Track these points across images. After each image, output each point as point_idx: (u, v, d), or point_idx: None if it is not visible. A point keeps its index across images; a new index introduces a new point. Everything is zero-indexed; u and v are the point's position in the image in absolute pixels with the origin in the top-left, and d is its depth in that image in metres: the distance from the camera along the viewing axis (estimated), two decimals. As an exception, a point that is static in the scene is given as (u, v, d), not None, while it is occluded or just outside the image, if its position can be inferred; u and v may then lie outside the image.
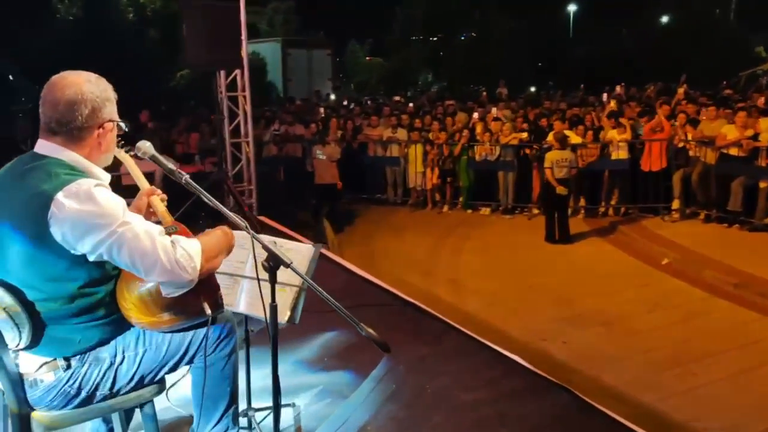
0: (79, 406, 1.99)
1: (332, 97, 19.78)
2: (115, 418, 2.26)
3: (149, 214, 2.38)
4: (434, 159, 11.31)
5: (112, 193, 1.91)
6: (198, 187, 2.19)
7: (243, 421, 2.84)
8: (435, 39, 32.37)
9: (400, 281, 8.17)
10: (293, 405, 3.07)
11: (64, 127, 1.93)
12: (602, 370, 5.56)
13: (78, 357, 1.97)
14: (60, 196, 1.81)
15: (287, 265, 2.07)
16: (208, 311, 1.99)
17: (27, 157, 1.96)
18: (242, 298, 2.68)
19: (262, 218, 7.00)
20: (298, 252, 2.73)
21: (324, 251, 5.59)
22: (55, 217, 1.80)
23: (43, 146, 1.95)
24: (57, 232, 1.80)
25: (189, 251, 1.86)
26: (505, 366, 3.51)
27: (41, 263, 1.85)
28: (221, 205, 2.15)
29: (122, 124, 2.12)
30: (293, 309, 2.65)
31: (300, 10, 29.46)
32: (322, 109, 14.45)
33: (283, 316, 2.62)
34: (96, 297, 1.94)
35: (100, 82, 2.00)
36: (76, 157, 1.95)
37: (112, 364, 2.00)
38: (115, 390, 2.03)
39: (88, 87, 1.95)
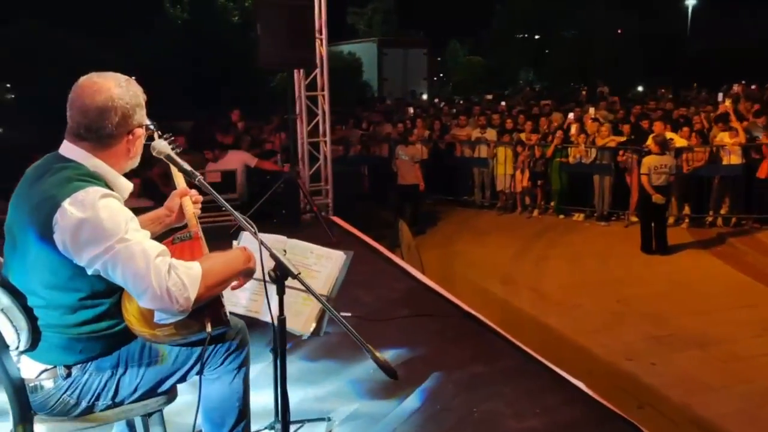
0: (80, 415, 1.92)
1: (424, 96, 19.57)
2: (138, 423, 2.21)
3: (180, 215, 2.29)
4: (525, 161, 10.84)
5: (119, 205, 1.81)
6: (211, 189, 2.07)
7: (269, 433, 2.71)
8: (538, 37, 31.39)
9: (478, 288, 7.87)
10: (328, 419, 2.91)
11: (93, 134, 1.86)
12: (695, 399, 5.03)
13: (79, 366, 1.89)
14: (66, 203, 1.73)
15: (294, 276, 1.89)
16: (209, 329, 1.86)
17: (52, 157, 1.90)
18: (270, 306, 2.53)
19: (335, 219, 6.91)
20: (329, 259, 2.56)
21: (391, 255, 5.41)
22: (59, 225, 1.72)
23: (69, 149, 1.88)
24: (59, 240, 1.73)
25: (184, 280, 1.72)
26: (566, 392, 3.16)
27: (42, 270, 1.79)
28: (232, 208, 2.02)
29: (152, 127, 2.07)
30: (319, 320, 2.48)
31: (400, 9, 29.51)
32: (411, 109, 14.30)
33: (308, 328, 2.46)
34: (100, 309, 1.86)
35: (130, 86, 1.91)
36: (99, 164, 1.88)
37: (113, 374, 1.91)
38: (117, 400, 1.94)
39: (118, 92, 1.86)
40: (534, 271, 8.41)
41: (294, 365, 3.47)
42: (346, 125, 12.36)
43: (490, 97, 16.99)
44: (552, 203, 10.87)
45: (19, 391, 1.87)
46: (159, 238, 2.04)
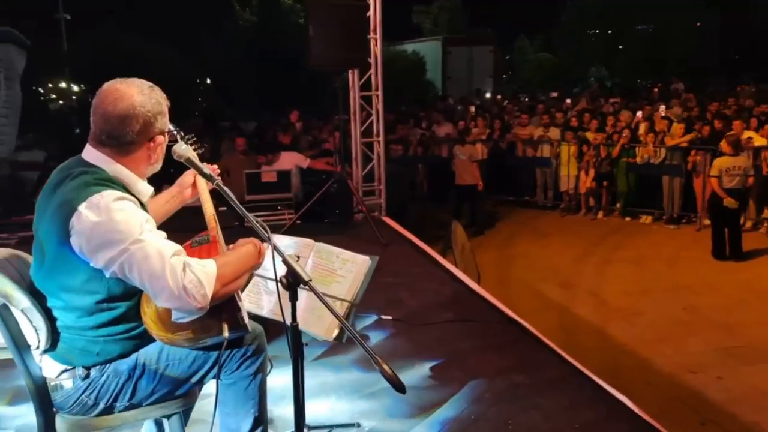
0: (99, 415, 1.95)
1: (487, 95, 19.24)
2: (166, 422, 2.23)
3: (195, 192, 2.42)
4: (590, 160, 10.47)
5: (134, 207, 1.82)
6: (229, 193, 2.06)
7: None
8: (610, 32, 30.27)
9: (535, 292, 7.66)
10: (357, 425, 2.86)
11: (114, 141, 1.88)
12: (764, 416, 4.69)
13: (98, 367, 1.92)
14: (82, 207, 1.76)
15: (305, 283, 1.85)
16: (226, 333, 1.85)
17: (74, 161, 1.94)
18: (302, 310, 2.51)
19: (385, 219, 6.87)
20: (354, 263, 2.51)
21: (439, 258, 5.32)
22: (74, 229, 1.75)
23: (91, 154, 1.91)
24: (76, 244, 1.76)
25: (200, 277, 1.72)
26: (609, 407, 3.00)
27: (61, 272, 1.82)
28: (246, 212, 2.00)
29: (174, 131, 2.09)
30: (342, 326, 2.43)
31: (467, 7, 29.16)
32: (472, 108, 14.08)
33: (331, 333, 2.42)
34: (117, 312, 1.88)
35: (153, 94, 1.93)
36: (119, 169, 1.91)
37: (130, 377, 1.93)
38: (135, 402, 1.96)
39: (140, 100, 1.88)
40: (596, 276, 8.10)
41: (327, 369, 3.45)
42: (405, 125, 12.31)
43: (555, 95, 16.50)
44: (618, 205, 10.46)
45: (41, 390, 1.92)
46: (178, 241, 2.05)
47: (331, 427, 2.80)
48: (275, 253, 1.91)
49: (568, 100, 14.30)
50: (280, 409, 2.91)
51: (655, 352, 5.89)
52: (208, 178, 2.07)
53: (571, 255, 8.83)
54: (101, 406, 1.93)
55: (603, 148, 10.27)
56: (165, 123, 1.96)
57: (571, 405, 3.02)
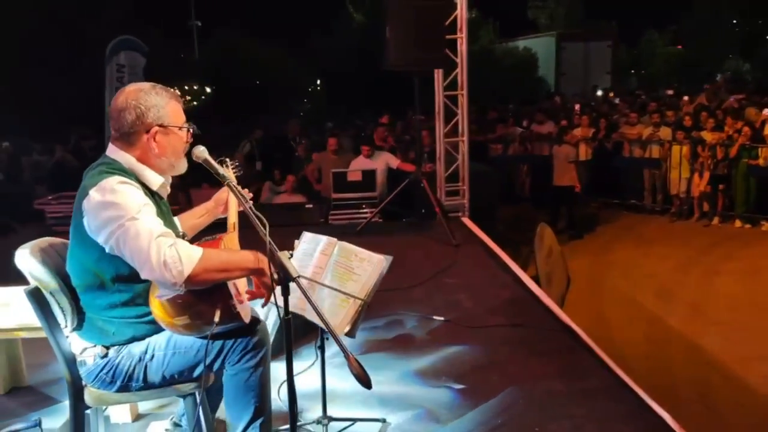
0: (118, 391, 2.16)
1: (599, 92, 18.35)
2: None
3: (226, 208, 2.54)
4: (705, 162, 9.75)
5: (135, 191, 2.01)
6: (240, 192, 2.19)
7: (318, 429, 2.81)
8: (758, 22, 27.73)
9: (627, 300, 7.28)
10: (383, 421, 2.92)
11: (119, 133, 2.13)
12: None
13: (115, 348, 2.13)
14: (92, 190, 1.98)
15: (293, 279, 1.95)
16: (216, 319, 1.99)
17: (101, 157, 2.19)
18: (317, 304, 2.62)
19: (465, 220, 6.82)
20: (370, 262, 2.57)
21: (509, 261, 5.23)
22: (85, 209, 1.98)
23: (110, 149, 2.16)
24: (86, 224, 1.98)
25: (181, 255, 1.86)
26: (648, 423, 2.84)
27: (77, 252, 2.06)
28: (249, 210, 2.12)
29: (180, 129, 2.19)
30: (354, 322, 2.51)
31: (587, 0, 27.91)
32: (577, 106, 13.53)
33: (342, 329, 2.50)
34: (127, 295, 2.07)
35: (151, 91, 2.13)
36: (129, 159, 2.12)
37: (141, 360, 2.12)
38: (149, 383, 2.15)
39: (136, 95, 2.10)
40: (698, 286, 7.56)
41: (364, 361, 3.52)
42: (504, 124, 12.10)
43: (670, 92, 15.43)
44: (736, 210, 9.65)
45: (70, 364, 2.16)
46: (192, 240, 2.23)
47: (354, 420, 2.88)
48: (271, 249, 2.01)
49: (686, 98, 13.33)
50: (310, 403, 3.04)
51: (752, 371, 5.43)
52: (221, 178, 2.22)
53: (674, 263, 8.29)
54: (118, 383, 2.14)
55: (720, 149, 9.52)
56: (161, 116, 2.11)
57: (605, 417, 2.90)
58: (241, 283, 2.19)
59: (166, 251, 1.87)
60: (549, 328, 3.85)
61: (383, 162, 7.90)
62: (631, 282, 7.79)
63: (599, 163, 10.83)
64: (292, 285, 2.70)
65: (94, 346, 2.14)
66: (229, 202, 2.55)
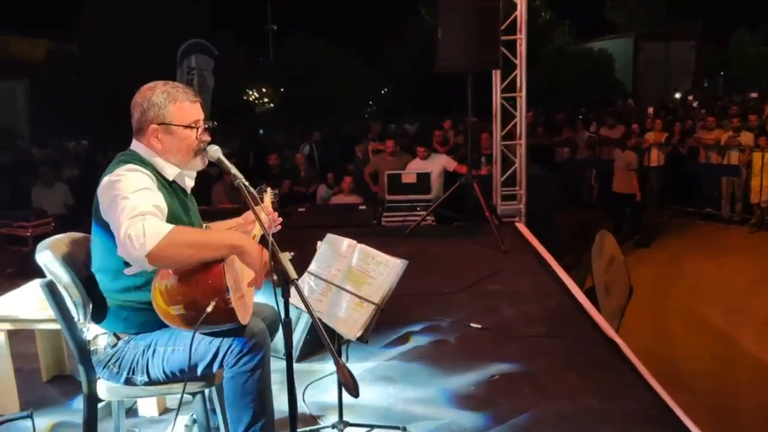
0: (125, 383, 2.18)
1: (677, 95, 17.45)
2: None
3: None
4: (790, 170, 9.10)
5: (141, 177, 2.05)
6: (252, 192, 2.19)
7: (333, 434, 2.77)
8: None
9: (693, 315, 6.88)
10: (402, 429, 2.84)
11: (133, 126, 2.22)
12: None
13: (125, 338, 2.17)
14: (106, 177, 2.06)
15: (292, 281, 1.92)
16: (210, 309, 1.94)
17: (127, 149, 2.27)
18: (333, 307, 2.59)
19: (518, 225, 6.62)
20: (386, 266, 2.51)
21: (559, 270, 5.03)
22: (98, 193, 2.06)
23: (132, 142, 2.25)
24: (100, 206, 2.05)
25: (147, 230, 1.86)
26: (686, 451, 2.64)
27: (96, 236, 2.12)
28: (255, 211, 2.11)
29: (186, 128, 2.19)
30: (367, 327, 2.45)
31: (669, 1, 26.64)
32: (651, 109, 12.92)
33: (354, 333, 2.45)
34: (141, 279, 2.08)
35: (160, 89, 2.18)
36: (146, 150, 2.20)
37: (144, 353, 2.14)
38: (152, 378, 2.17)
39: (144, 93, 2.18)
40: (775, 303, 7.04)
41: (393, 366, 3.48)
42: (572, 127, 11.72)
43: (755, 95, 14.47)
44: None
45: (84, 356, 2.22)
46: None
47: (372, 426, 2.82)
48: (273, 249, 1.99)
49: (772, 101, 12.51)
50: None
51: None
52: (232, 177, 2.22)
53: (749, 277, 7.76)
54: (124, 375, 2.17)
55: (807, 156, 8.86)
56: (161, 115, 2.15)
57: (637, 441, 2.72)
58: (243, 281, 2.16)
59: (134, 225, 1.87)
60: (591, 341, 3.66)
61: (439, 164, 7.81)
62: (699, 295, 7.35)
63: (673, 170, 10.30)
64: (314, 286, 2.70)
65: (106, 333, 2.19)
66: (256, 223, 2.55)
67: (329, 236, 2.81)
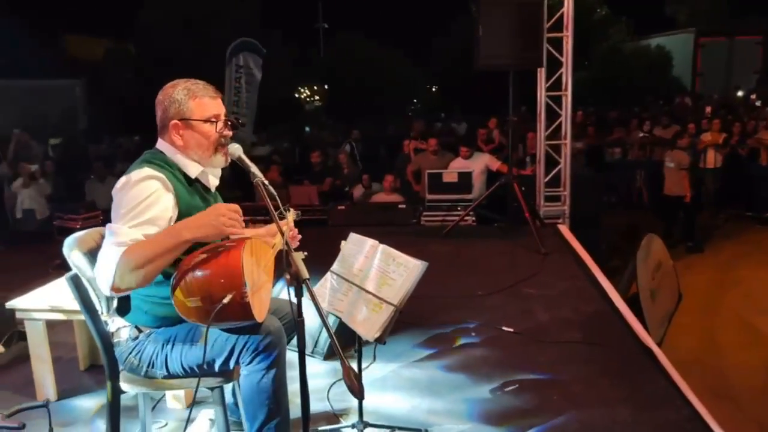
0: (145, 377, 2.23)
1: (739, 93, 16.70)
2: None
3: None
4: None
5: (152, 186, 2.07)
6: (272, 190, 2.19)
7: (353, 432, 2.76)
8: None
9: (745, 323, 6.57)
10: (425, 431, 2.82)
11: (158, 125, 2.26)
12: None
13: (146, 332, 2.21)
14: (124, 176, 2.11)
15: (303, 280, 1.92)
16: (226, 300, 1.94)
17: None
18: (353, 307, 2.57)
19: (560, 227, 6.46)
20: (406, 267, 2.48)
21: (599, 274, 4.88)
22: (113, 194, 2.11)
23: (158, 141, 2.28)
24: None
25: (100, 270, 1.99)
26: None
27: None
28: (275, 213, 2.10)
29: (205, 123, 2.21)
30: (385, 329, 2.42)
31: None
32: (709, 108, 12.41)
33: (372, 334, 2.43)
34: (160, 275, 2.12)
35: (181, 86, 2.21)
36: (170, 149, 2.23)
37: (163, 348, 2.17)
38: (171, 372, 2.20)
39: (167, 91, 2.21)
40: (838, 314, 6.65)
41: (420, 367, 3.44)
42: (625, 127, 11.37)
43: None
44: None
45: (107, 346, 2.27)
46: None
47: (392, 428, 2.79)
48: (287, 251, 1.99)
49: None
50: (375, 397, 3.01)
51: None
52: (251, 176, 2.23)
53: (810, 286, 7.36)
54: (144, 368, 2.21)
55: None
56: (182, 111, 2.19)
57: (670, 456, 2.61)
58: (260, 278, 2.16)
59: (101, 260, 1.99)
60: (627, 349, 3.54)
61: (482, 164, 7.71)
62: (754, 303, 7.01)
63: (730, 172, 9.88)
64: (336, 285, 2.69)
65: (128, 326, 2.23)
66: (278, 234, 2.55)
67: (353, 236, 2.80)
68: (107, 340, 2.28)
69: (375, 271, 2.56)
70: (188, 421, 2.26)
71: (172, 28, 13.98)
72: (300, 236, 2.47)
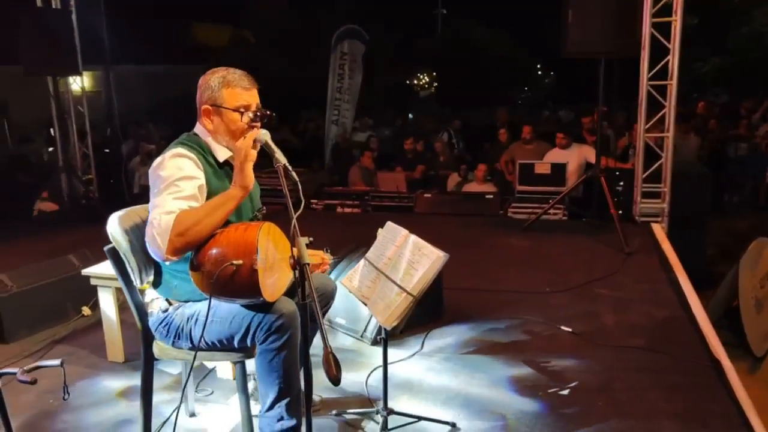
0: (173, 346, 2.38)
1: None
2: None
3: None
4: None
5: (184, 162, 2.21)
6: (294, 176, 2.23)
7: (376, 419, 2.78)
8: None
9: None
10: (452, 425, 2.75)
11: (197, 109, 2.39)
12: None
13: (175, 305, 2.35)
14: (158, 158, 2.25)
15: (302, 265, 1.95)
16: (235, 261, 2.05)
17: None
18: (378, 295, 2.58)
19: (654, 226, 6.02)
20: (429, 258, 2.43)
21: (683, 278, 4.52)
22: (149, 173, 2.26)
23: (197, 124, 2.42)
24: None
25: (160, 231, 2.08)
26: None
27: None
28: (290, 205, 2.12)
29: (234, 111, 2.29)
30: (402, 318, 2.41)
31: None
32: None
33: (390, 322, 2.42)
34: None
35: (218, 74, 2.32)
36: (201, 130, 2.37)
37: (188, 321, 2.29)
38: (194, 345, 2.31)
39: (206, 77, 2.34)
40: None
41: (467, 360, 3.36)
42: (750, 118, 10.37)
43: None
44: None
45: (142, 315, 2.44)
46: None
47: (418, 418, 2.78)
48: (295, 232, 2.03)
49: None
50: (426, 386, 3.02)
51: None
52: (275, 161, 2.28)
53: None
54: (171, 339, 2.35)
55: None
56: (214, 97, 2.30)
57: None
58: (275, 260, 2.21)
59: (154, 229, 2.09)
60: (692, 360, 3.27)
61: (580, 155, 7.37)
62: None
63: None
64: (366, 272, 2.71)
65: (160, 298, 2.39)
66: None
67: (389, 224, 2.79)
68: (142, 310, 2.45)
69: (402, 261, 2.54)
70: (183, 391, 2.37)
71: (283, 15, 14.48)
72: (328, 265, 2.61)
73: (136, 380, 3.21)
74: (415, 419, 2.77)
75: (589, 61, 5.74)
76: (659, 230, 5.77)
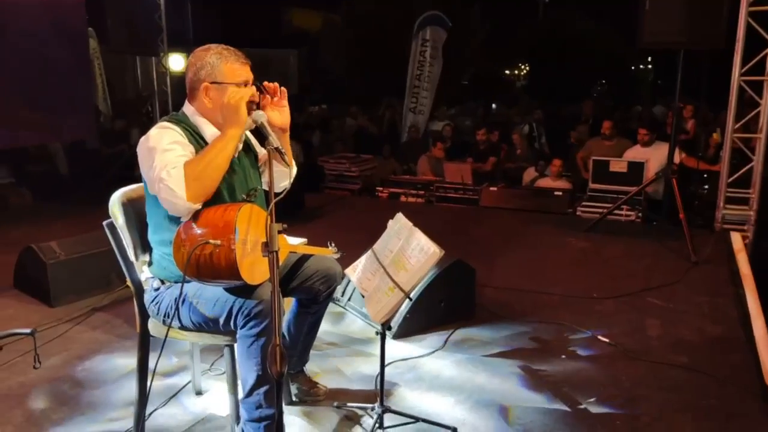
0: (164, 325, 2.35)
1: None
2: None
3: None
4: None
5: (169, 132, 2.20)
6: (285, 159, 2.18)
7: (371, 415, 2.68)
8: None
9: None
10: (454, 430, 2.62)
11: (187, 88, 2.36)
12: None
13: (166, 285, 2.34)
14: (142, 137, 2.24)
15: (271, 251, 1.88)
16: (211, 240, 2.04)
17: None
18: (375, 288, 2.47)
19: (734, 236, 5.44)
20: (424, 253, 2.29)
21: (749, 292, 4.08)
22: (137, 152, 2.25)
23: (184, 103, 2.40)
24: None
25: (171, 184, 2.06)
26: None
27: (145, 191, 2.30)
28: (272, 191, 2.04)
29: (236, 86, 2.25)
30: (392, 314, 2.28)
31: None
32: None
33: (379, 317, 2.31)
34: (174, 234, 2.25)
35: (214, 51, 2.29)
36: (192, 110, 2.34)
37: (176, 301, 2.27)
38: (184, 325, 2.31)
39: (197, 55, 2.30)
40: None
41: (484, 369, 3.18)
42: None
43: None
44: None
45: (138, 290, 2.46)
46: None
47: (416, 419, 2.65)
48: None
49: None
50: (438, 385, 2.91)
51: None
52: (267, 142, 2.22)
53: None
54: (161, 317, 2.36)
55: None
56: (213, 74, 2.26)
57: None
58: (255, 243, 2.16)
59: (163, 188, 2.08)
60: (737, 385, 2.93)
61: (662, 154, 6.85)
62: None
63: None
64: (368, 264, 2.62)
65: (153, 277, 2.41)
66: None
67: (398, 216, 2.66)
68: (138, 286, 2.47)
69: (402, 256, 2.42)
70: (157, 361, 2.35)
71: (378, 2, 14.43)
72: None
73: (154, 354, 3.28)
74: (413, 420, 2.65)
75: (691, 55, 5.30)
76: (738, 239, 5.25)
